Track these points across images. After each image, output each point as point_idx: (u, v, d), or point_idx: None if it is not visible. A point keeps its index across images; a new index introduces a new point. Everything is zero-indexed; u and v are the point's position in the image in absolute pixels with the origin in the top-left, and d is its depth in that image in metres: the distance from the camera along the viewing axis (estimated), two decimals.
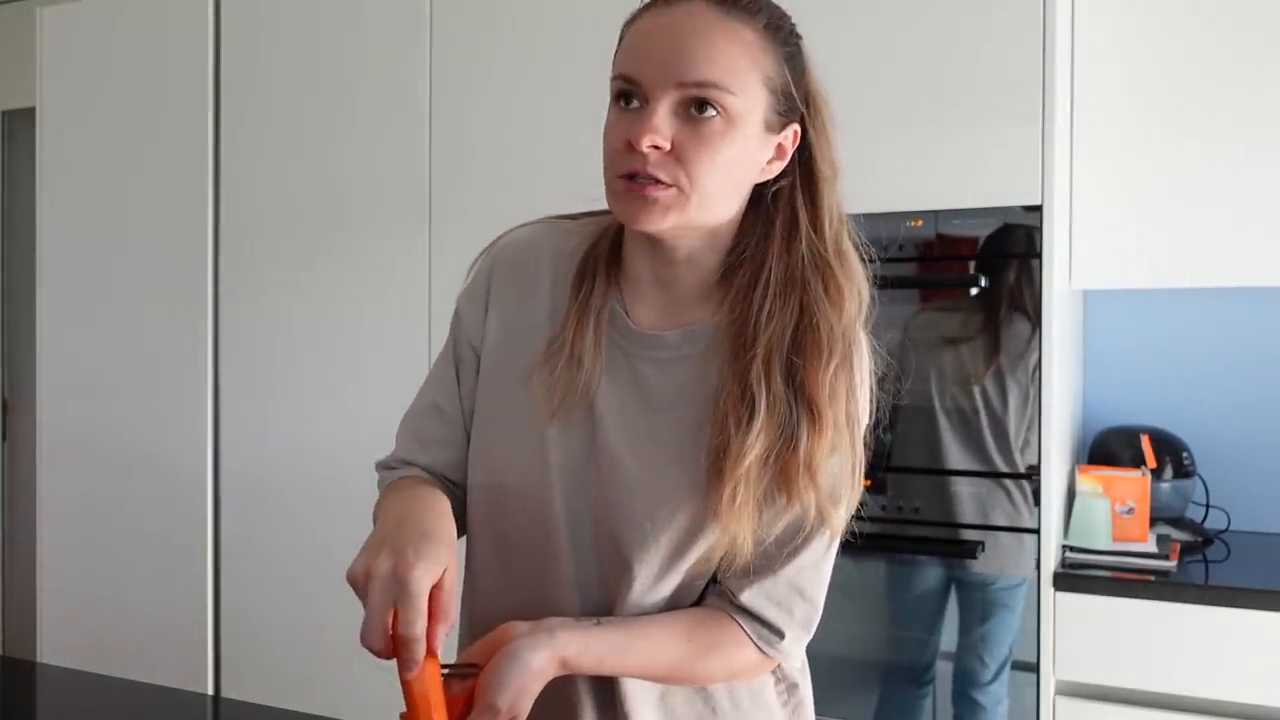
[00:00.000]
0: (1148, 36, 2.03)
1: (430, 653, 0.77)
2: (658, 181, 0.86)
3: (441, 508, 0.88)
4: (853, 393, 0.92)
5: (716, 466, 0.89)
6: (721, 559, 0.96)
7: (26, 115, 3.17)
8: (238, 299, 2.55)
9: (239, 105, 2.55)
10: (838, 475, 0.92)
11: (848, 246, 0.94)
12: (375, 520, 1.00)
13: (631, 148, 0.86)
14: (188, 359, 2.59)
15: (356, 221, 2.41)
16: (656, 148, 0.85)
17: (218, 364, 2.57)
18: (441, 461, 1.03)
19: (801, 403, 0.89)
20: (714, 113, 0.86)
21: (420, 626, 0.75)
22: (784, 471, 0.89)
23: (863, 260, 0.94)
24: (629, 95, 0.88)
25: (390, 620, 0.76)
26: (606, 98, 0.96)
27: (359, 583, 0.78)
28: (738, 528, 0.89)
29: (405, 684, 0.77)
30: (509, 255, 1.04)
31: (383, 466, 1.06)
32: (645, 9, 0.90)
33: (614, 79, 0.89)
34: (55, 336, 2.77)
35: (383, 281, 2.39)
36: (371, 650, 0.76)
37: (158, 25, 2.63)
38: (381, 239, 2.39)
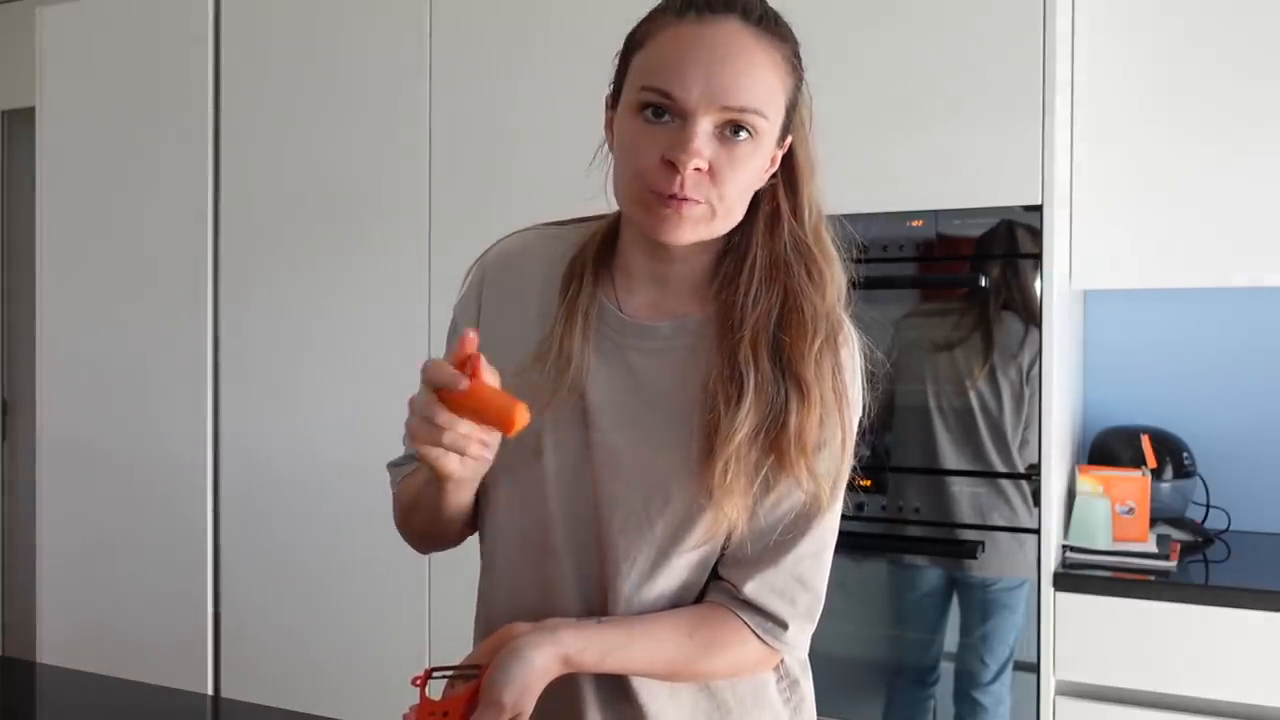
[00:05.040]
0: (1148, 36, 2.03)
1: (475, 373, 0.81)
2: (692, 200, 0.87)
3: None
4: (839, 370, 0.94)
5: (707, 445, 0.91)
6: (722, 550, 0.97)
7: (26, 115, 3.17)
8: (238, 299, 2.55)
9: (239, 105, 2.55)
10: (829, 451, 0.93)
11: (825, 234, 0.97)
12: (402, 500, 1.07)
13: (668, 165, 0.86)
14: (188, 359, 2.59)
15: (356, 222, 2.42)
16: (698, 169, 0.86)
17: (218, 364, 2.57)
18: None
19: (789, 380, 0.91)
20: (747, 134, 0.87)
21: (450, 363, 0.82)
22: (776, 448, 0.91)
23: (858, 261, 0.97)
24: (661, 109, 0.87)
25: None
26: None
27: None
28: (730, 505, 0.90)
29: (456, 400, 0.81)
30: (499, 263, 1.06)
31: (393, 465, 1.11)
32: (672, 17, 0.88)
33: (646, 89, 0.87)
34: (55, 336, 2.77)
35: (383, 282, 2.39)
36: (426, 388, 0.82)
37: (158, 25, 2.63)
38: (381, 240, 2.39)
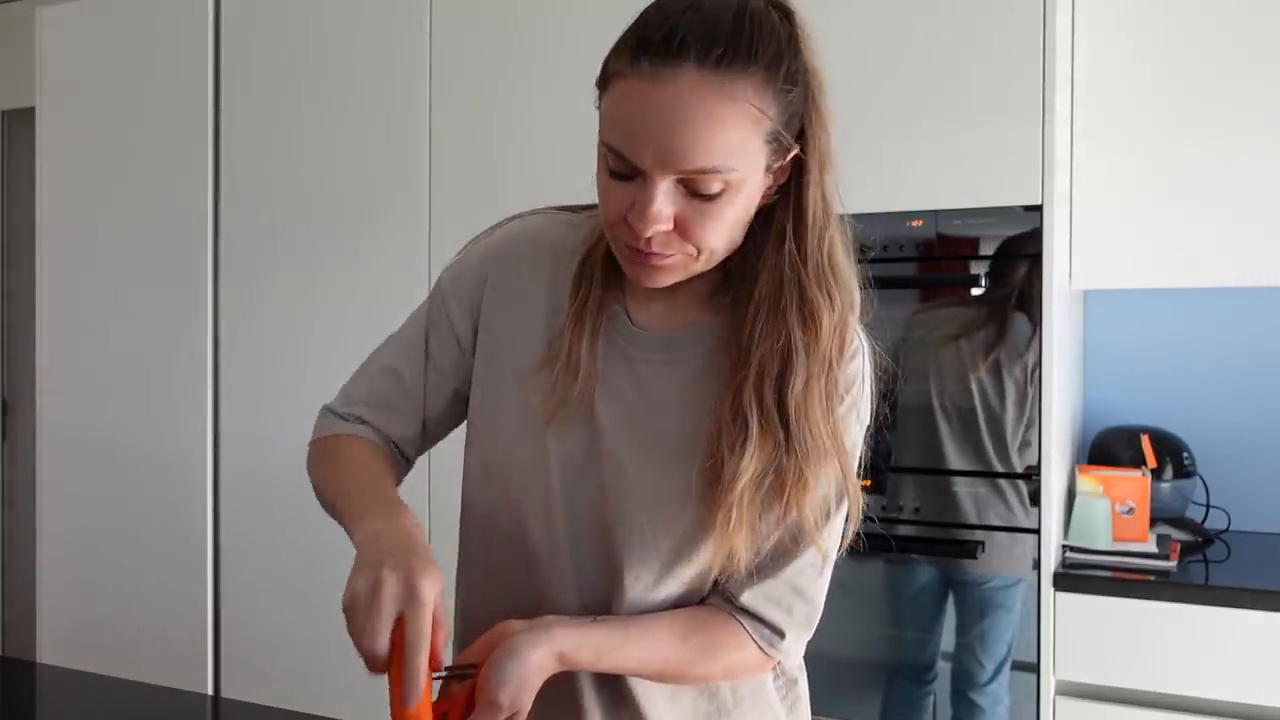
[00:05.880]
0: (1148, 36, 2.03)
1: (433, 664, 0.77)
2: (662, 254, 0.85)
3: (417, 523, 0.86)
4: (832, 409, 0.90)
5: (711, 491, 0.89)
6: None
7: (26, 115, 3.17)
8: (238, 299, 2.55)
9: (239, 105, 2.55)
10: (824, 495, 0.91)
11: (836, 253, 0.89)
12: (317, 470, 1.00)
13: (634, 230, 0.83)
14: (188, 359, 2.59)
15: (356, 221, 2.42)
16: (660, 230, 0.83)
17: (218, 364, 2.57)
18: (389, 427, 1.03)
19: (791, 424, 0.87)
20: (717, 189, 0.81)
21: (428, 626, 0.75)
22: (778, 490, 0.88)
23: (860, 261, 0.92)
24: (622, 168, 0.82)
25: (389, 633, 0.76)
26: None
27: (361, 597, 0.77)
28: (735, 545, 0.89)
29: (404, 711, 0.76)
30: (508, 247, 1.02)
31: (333, 413, 1.05)
32: (628, 65, 0.81)
33: (605, 145, 0.83)
34: (55, 336, 2.77)
35: (383, 281, 2.39)
36: (373, 655, 0.75)
37: (158, 25, 2.63)
38: (382, 239, 2.39)
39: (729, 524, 0.88)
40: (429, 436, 1.06)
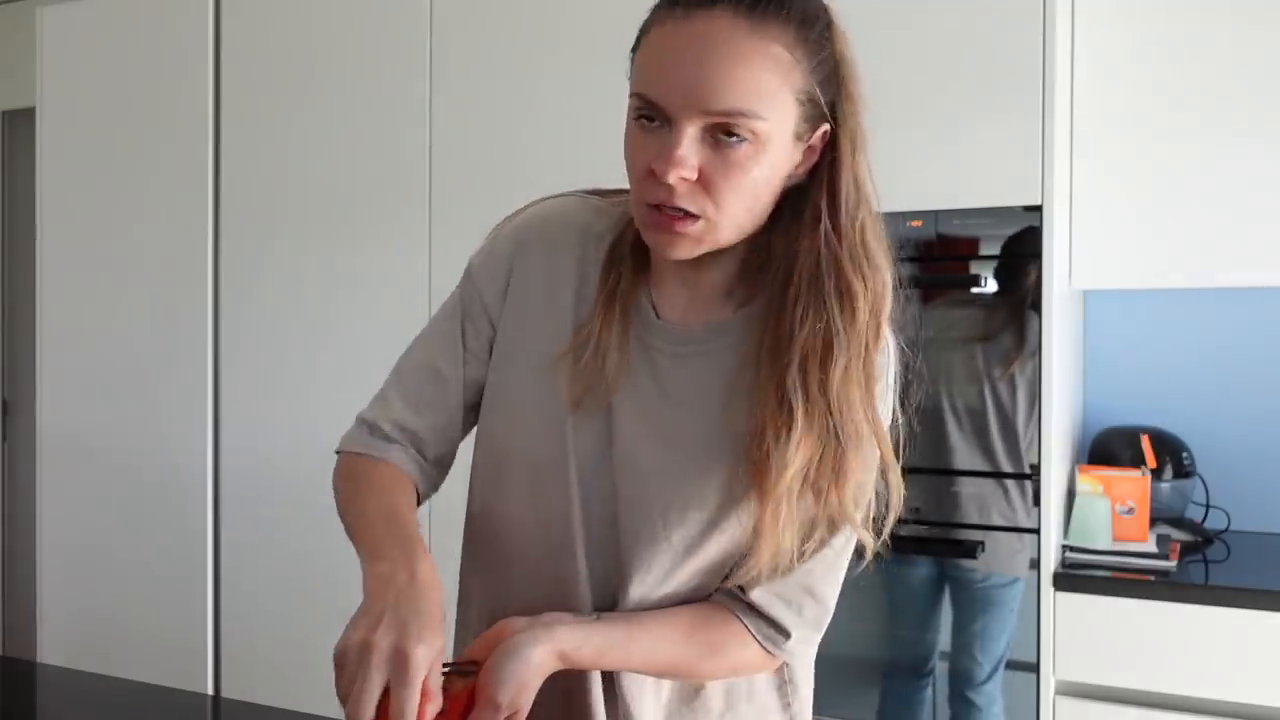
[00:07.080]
0: (1148, 36, 2.03)
1: None
2: (686, 214, 0.83)
3: (436, 582, 0.81)
4: (869, 395, 0.88)
5: (758, 484, 0.87)
6: (739, 562, 0.93)
7: (26, 115, 3.17)
8: (238, 299, 2.55)
9: (239, 105, 2.55)
10: (862, 481, 0.90)
11: (869, 234, 0.88)
12: (341, 492, 0.97)
13: (656, 175, 0.82)
14: (188, 359, 2.59)
15: (357, 222, 2.42)
16: (686, 179, 0.82)
17: (218, 364, 2.57)
18: (432, 427, 1.00)
19: (834, 409, 0.85)
20: (743, 138, 0.81)
21: (414, 704, 0.72)
22: (817, 484, 0.87)
23: (887, 254, 0.90)
24: (650, 115, 0.83)
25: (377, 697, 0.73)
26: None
27: (351, 655, 0.74)
28: (780, 543, 0.88)
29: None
30: (536, 230, 1.00)
31: (366, 425, 1.02)
32: (664, 13, 0.83)
33: (634, 95, 0.83)
34: (55, 336, 2.77)
35: (383, 282, 2.39)
36: None
37: (158, 25, 2.63)
38: (382, 239, 2.39)
39: (778, 518, 0.86)
40: (470, 423, 1.04)
